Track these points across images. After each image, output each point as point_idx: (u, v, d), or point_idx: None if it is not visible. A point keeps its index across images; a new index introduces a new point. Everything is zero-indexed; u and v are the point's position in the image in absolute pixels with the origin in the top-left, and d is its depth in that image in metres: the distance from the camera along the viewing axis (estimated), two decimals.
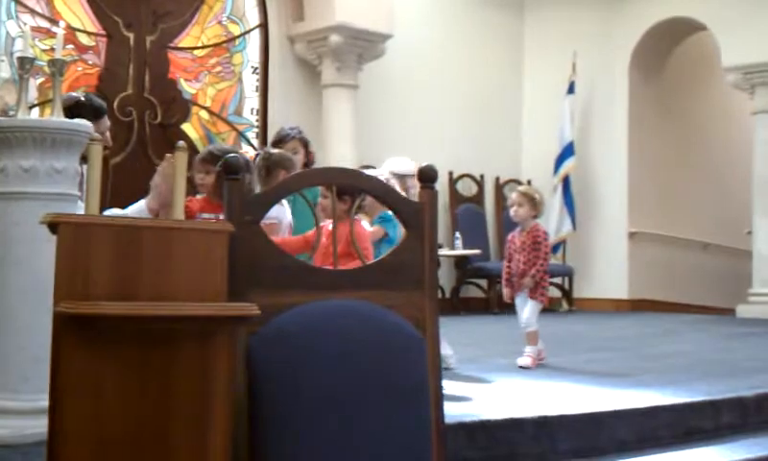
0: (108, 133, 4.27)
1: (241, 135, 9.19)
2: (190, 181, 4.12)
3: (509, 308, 10.01)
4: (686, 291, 10.94)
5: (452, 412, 3.28)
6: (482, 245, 10.32)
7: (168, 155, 4.34)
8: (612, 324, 8.87)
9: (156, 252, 1.88)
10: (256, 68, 9.28)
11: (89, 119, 3.71)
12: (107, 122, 4.30)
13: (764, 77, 9.79)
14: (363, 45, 9.21)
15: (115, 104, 8.11)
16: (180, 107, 8.74)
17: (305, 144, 5.02)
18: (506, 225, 10.97)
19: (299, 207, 4.43)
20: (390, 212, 3.70)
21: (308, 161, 5.03)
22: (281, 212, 4.24)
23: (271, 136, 9.11)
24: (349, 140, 8.89)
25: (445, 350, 5.04)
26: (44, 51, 7.55)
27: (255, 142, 9.21)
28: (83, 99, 4.17)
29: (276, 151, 4.62)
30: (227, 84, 9.12)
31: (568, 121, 10.63)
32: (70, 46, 7.92)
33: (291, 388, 1.94)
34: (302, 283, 2.08)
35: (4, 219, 3.09)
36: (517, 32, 11.31)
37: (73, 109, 3.74)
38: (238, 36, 9.19)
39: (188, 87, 8.82)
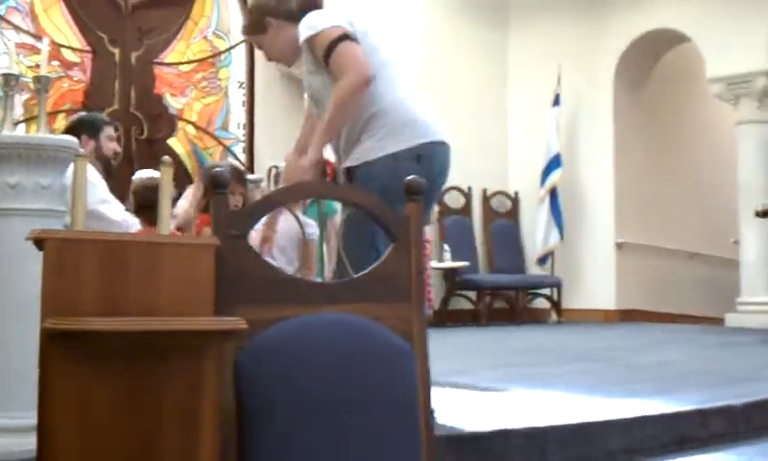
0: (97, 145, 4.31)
1: (228, 150, 9.19)
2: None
3: (497, 320, 9.97)
4: (675, 301, 10.97)
5: (440, 424, 3.27)
6: (470, 257, 10.33)
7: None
8: (601, 334, 8.88)
9: (143, 266, 1.87)
10: (242, 83, 9.28)
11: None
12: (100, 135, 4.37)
13: (748, 88, 9.85)
14: None
15: None
16: (167, 122, 8.74)
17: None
18: (494, 236, 11.00)
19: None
20: None
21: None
22: (313, 226, 4.47)
23: (258, 150, 9.16)
24: (335, 155, 8.88)
25: None
26: (29, 67, 7.54)
27: (242, 157, 9.21)
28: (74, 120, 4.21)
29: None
30: (213, 98, 9.12)
31: (554, 133, 10.67)
32: (55, 62, 7.91)
33: (279, 403, 1.93)
34: (290, 297, 2.08)
35: None
36: (502, 45, 11.34)
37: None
38: (224, 52, 9.20)
39: (174, 102, 8.83)
